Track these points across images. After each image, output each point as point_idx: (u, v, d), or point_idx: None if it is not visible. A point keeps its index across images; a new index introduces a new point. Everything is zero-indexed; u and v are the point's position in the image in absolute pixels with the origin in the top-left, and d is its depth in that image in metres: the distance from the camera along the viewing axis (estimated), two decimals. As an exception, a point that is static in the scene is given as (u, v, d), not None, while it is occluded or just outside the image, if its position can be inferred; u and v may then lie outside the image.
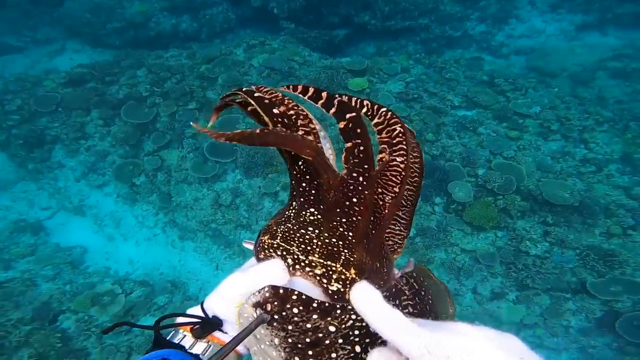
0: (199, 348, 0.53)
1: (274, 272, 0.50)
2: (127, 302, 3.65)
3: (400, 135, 0.51)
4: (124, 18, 5.75)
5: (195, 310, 0.56)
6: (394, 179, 0.51)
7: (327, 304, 0.45)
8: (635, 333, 3.14)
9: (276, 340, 0.46)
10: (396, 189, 0.50)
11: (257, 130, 0.43)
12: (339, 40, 5.13)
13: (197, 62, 4.99)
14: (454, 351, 0.38)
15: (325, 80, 4.47)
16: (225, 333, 0.54)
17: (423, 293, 0.49)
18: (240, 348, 0.54)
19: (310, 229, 0.49)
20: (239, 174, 4.44)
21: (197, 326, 0.53)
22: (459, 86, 4.53)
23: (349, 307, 0.46)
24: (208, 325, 0.53)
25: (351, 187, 0.48)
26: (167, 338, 0.56)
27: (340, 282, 0.47)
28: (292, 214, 0.51)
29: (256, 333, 0.48)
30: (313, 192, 0.50)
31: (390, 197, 0.51)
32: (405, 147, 0.51)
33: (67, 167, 4.59)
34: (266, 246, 0.51)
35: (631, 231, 3.36)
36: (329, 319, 0.45)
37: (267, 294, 0.45)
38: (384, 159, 0.51)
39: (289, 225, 0.50)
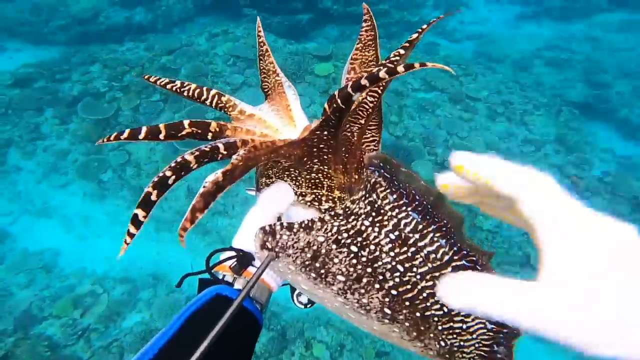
0: (238, 284, 0.59)
1: (280, 192, 0.54)
2: (111, 301, 3.60)
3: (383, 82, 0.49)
4: (68, 15, 5.29)
5: (227, 253, 0.61)
6: (361, 114, 0.55)
7: (305, 221, 0.51)
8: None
9: (292, 267, 0.52)
10: (362, 121, 0.55)
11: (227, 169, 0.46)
12: (303, 24, 5.17)
13: (156, 53, 4.81)
14: None
15: (292, 66, 4.52)
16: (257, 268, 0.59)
17: (395, 178, 0.51)
18: (272, 285, 0.62)
19: (292, 169, 0.54)
20: (212, 163, 4.45)
21: (235, 263, 0.59)
22: (418, 71, 4.80)
23: (327, 217, 0.52)
24: (244, 259, 0.58)
25: (315, 145, 0.49)
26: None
27: (330, 201, 0.53)
28: (272, 163, 0.56)
29: (278, 269, 0.54)
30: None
31: (357, 128, 0.55)
32: (380, 91, 0.54)
33: (25, 170, 4.29)
34: (267, 186, 0.56)
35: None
36: (313, 232, 0.51)
37: (261, 235, 0.52)
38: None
39: (275, 170, 0.56)
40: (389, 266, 0.49)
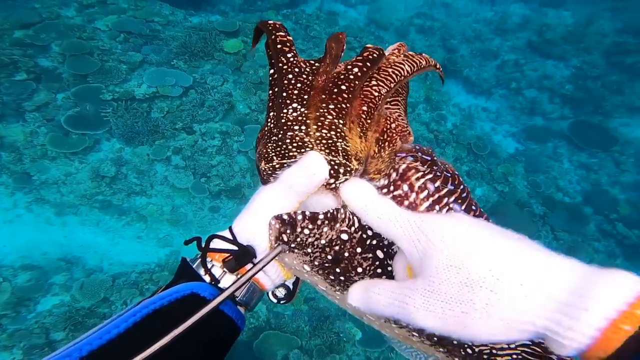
0: (227, 281, 0.44)
1: (312, 164, 0.40)
2: (16, 288, 3.19)
3: (422, 61, 0.48)
4: None
5: (224, 235, 0.45)
6: (392, 76, 0.46)
7: (331, 210, 0.41)
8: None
9: (307, 267, 0.43)
10: (391, 85, 0.45)
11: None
12: None
13: (4, 27, 3.61)
14: (436, 227, 0.33)
15: (198, 42, 4.00)
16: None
17: (439, 163, 0.44)
18: (267, 284, 0.47)
19: (296, 127, 0.41)
20: (118, 143, 3.94)
21: (231, 258, 0.43)
22: (321, 43, 4.86)
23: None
24: (245, 256, 0.43)
25: (342, 77, 0.43)
26: (194, 267, 0.45)
27: (349, 174, 0.41)
28: (272, 124, 0.43)
29: (294, 266, 0.45)
30: (298, 85, 0.43)
31: (384, 89, 0.45)
32: (418, 64, 0.47)
33: None
34: (269, 171, 0.43)
35: (429, 157, 4.84)
36: (337, 225, 0.41)
37: (277, 226, 0.41)
38: (391, 59, 0.47)
39: (274, 137, 0.42)
40: None
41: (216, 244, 0.45)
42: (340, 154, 0.41)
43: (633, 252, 4.43)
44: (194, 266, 0.45)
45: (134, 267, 3.65)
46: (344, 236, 0.42)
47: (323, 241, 0.42)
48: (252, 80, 4.15)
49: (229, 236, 0.45)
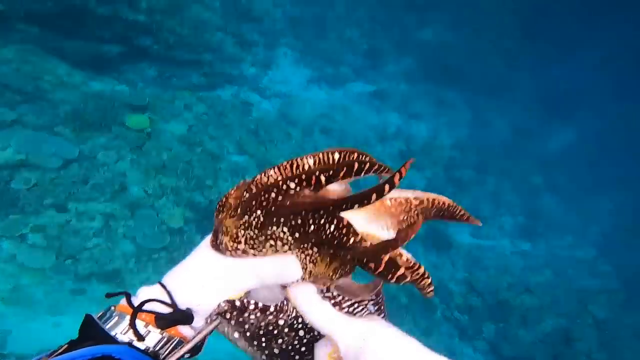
0: (151, 339, 0.40)
1: (287, 269, 0.43)
2: None
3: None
4: None
5: (152, 291, 0.43)
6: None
7: (280, 304, 0.47)
8: None
9: (237, 335, 0.48)
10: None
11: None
12: (111, 56, 4.04)
13: None
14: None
15: (95, 112, 3.60)
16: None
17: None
18: (189, 335, 0.45)
19: (279, 244, 0.42)
20: None
21: (163, 317, 0.40)
22: (233, 132, 5.00)
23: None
24: (184, 320, 0.41)
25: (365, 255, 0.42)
26: (102, 321, 0.40)
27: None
28: (257, 221, 0.41)
29: (223, 330, 0.48)
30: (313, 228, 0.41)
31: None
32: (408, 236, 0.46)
33: None
34: (229, 248, 0.43)
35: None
36: (281, 315, 0.47)
37: (227, 308, 0.44)
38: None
39: (251, 233, 0.42)
40: None
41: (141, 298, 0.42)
42: (306, 274, 0.45)
43: (463, 332, 5.64)
44: (107, 326, 0.40)
45: None
46: (281, 322, 0.48)
47: (262, 323, 0.47)
48: (153, 163, 3.89)
49: (161, 293, 0.43)
